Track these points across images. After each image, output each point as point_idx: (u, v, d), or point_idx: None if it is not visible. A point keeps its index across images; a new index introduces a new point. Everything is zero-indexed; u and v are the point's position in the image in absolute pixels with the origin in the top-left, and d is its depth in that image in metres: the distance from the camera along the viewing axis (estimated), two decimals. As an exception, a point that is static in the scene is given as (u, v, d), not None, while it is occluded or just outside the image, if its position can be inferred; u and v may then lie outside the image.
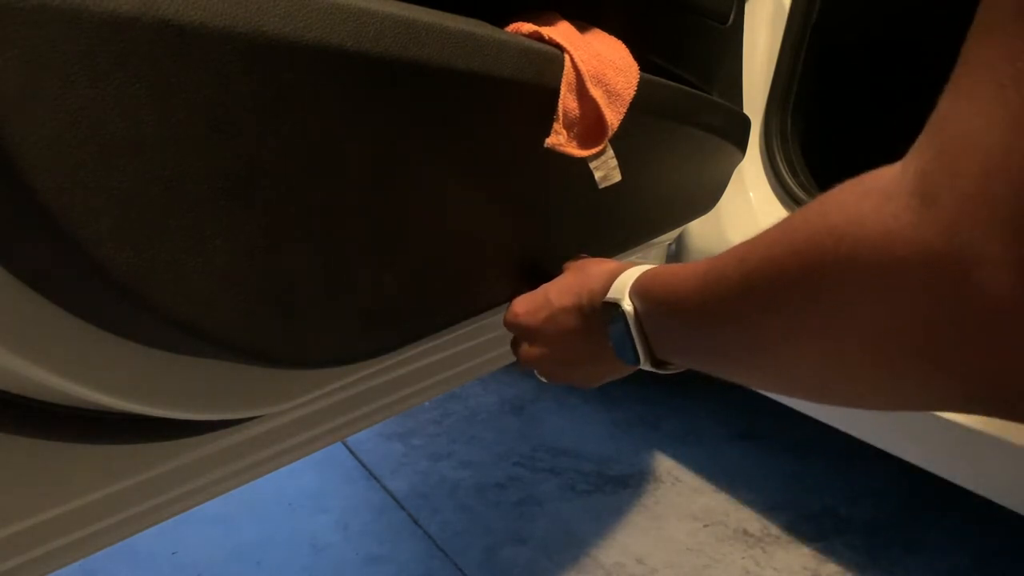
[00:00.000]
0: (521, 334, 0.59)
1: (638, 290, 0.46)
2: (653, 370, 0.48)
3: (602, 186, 0.59)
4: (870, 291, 0.28)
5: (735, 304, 0.36)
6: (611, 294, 0.48)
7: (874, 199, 0.27)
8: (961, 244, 0.24)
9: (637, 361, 0.47)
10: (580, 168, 0.57)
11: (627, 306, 0.46)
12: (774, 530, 1.33)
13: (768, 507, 1.38)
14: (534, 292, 0.58)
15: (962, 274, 0.24)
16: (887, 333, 0.28)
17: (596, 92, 0.54)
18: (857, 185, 0.29)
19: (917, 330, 0.27)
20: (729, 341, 0.39)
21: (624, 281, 0.47)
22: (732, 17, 0.82)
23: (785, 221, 0.33)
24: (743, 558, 1.27)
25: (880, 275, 0.27)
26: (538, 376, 0.61)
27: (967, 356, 0.26)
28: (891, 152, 0.28)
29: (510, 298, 0.60)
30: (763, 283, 0.33)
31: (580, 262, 0.59)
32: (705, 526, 1.34)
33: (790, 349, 0.34)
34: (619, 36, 0.59)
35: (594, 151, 0.56)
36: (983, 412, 0.28)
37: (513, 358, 0.62)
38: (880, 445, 1.09)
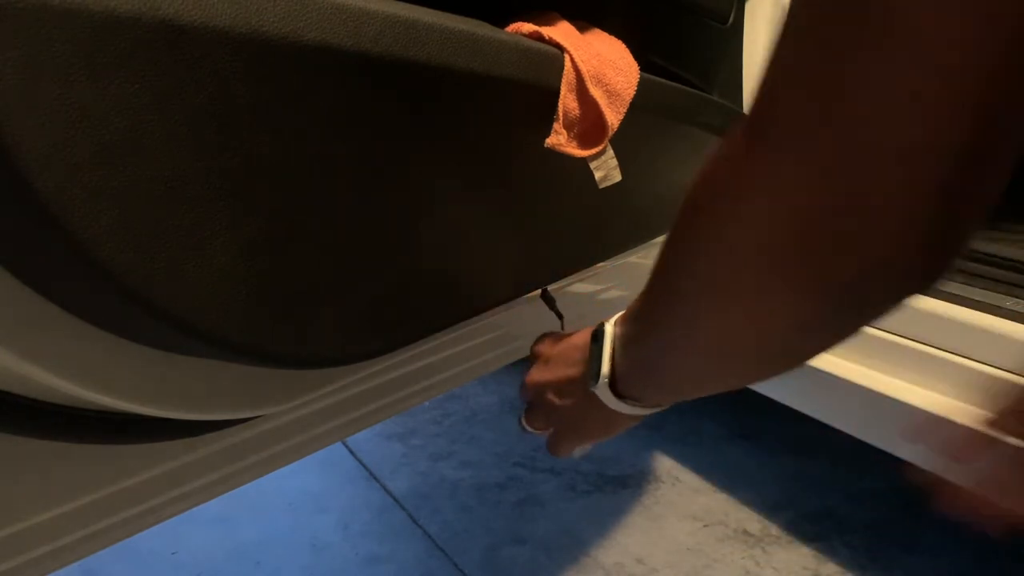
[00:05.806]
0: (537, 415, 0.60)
1: (619, 319, 0.50)
2: (617, 403, 0.50)
3: (602, 186, 0.59)
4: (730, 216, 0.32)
5: (665, 277, 0.40)
6: (599, 326, 0.52)
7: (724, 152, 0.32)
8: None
9: (596, 378, 0.49)
10: (580, 168, 0.57)
11: (609, 327, 0.50)
12: (774, 530, 1.33)
13: (768, 507, 1.38)
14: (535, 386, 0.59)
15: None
16: (750, 251, 0.32)
17: (596, 92, 0.54)
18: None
19: (767, 239, 0.30)
20: (666, 322, 0.41)
21: (610, 320, 0.51)
22: (732, 17, 0.82)
23: None
24: (743, 558, 1.27)
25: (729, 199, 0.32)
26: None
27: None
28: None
29: (510, 298, 0.60)
30: (676, 243, 0.37)
31: (555, 349, 0.59)
32: (705, 526, 1.34)
33: (707, 303, 0.36)
34: (619, 36, 0.59)
35: (594, 151, 0.56)
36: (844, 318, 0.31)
37: (513, 357, 0.62)
38: (880, 445, 1.09)
